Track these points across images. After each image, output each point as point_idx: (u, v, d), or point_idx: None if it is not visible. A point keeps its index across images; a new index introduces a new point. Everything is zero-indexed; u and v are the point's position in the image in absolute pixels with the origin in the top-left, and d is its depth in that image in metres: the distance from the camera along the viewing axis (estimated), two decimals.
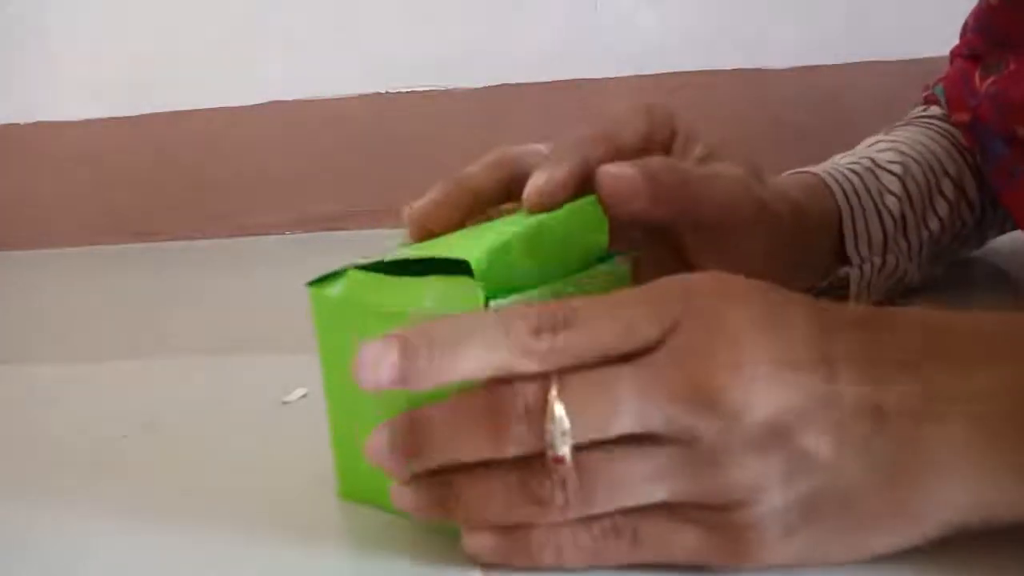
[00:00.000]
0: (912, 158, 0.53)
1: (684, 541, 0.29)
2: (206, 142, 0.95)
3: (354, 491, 0.36)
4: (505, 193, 0.39)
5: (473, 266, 0.31)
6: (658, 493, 0.28)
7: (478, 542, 0.30)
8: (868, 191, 0.50)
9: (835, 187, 0.49)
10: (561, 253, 0.35)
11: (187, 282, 0.81)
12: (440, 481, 0.30)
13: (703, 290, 0.29)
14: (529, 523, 0.29)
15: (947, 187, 0.53)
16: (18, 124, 0.97)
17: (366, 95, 0.93)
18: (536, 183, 0.36)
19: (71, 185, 0.97)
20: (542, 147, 0.39)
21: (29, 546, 0.36)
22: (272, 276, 0.79)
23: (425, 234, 0.38)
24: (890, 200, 0.50)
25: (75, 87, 0.96)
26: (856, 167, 0.51)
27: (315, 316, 0.35)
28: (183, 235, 0.96)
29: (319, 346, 0.35)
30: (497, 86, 0.90)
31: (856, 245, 0.49)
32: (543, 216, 0.35)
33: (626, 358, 0.28)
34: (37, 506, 0.39)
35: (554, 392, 0.27)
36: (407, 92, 0.92)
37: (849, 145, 0.56)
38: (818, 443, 0.27)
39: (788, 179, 0.50)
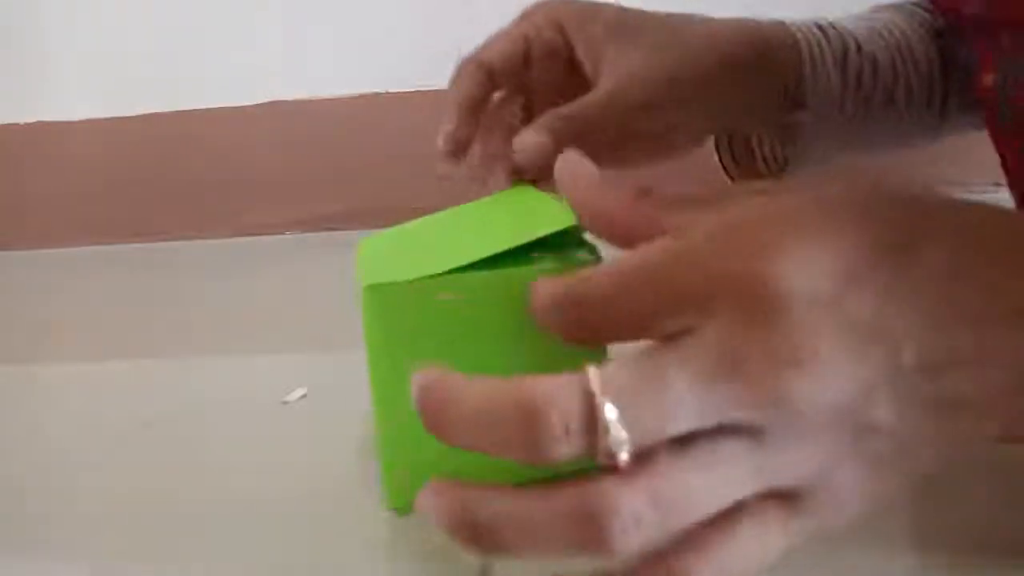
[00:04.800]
0: (884, 39, 0.54)
1: (770, 542, 0.27)
2: (206, 142, 0.95)
3: (408, 501, 0.32)
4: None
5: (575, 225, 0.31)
6: (739, 490, 0.26)
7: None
8: (832, 50, 0.52)
9: (801, 39, 0.51)
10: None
11: (187, 282, 0.81)
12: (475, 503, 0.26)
13: (748, 253, 0.26)
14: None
15: (911, 71, 0.54)
16: (18, 124, 0.97)
17: (366, 95, 0.93)
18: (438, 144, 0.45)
19: (71, 185, 0.97)
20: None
21: (29, 546, 0.36)
22: (272, 276, 0.79)
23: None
24: (852, 61, 0.52)
25: (75, 87, 0.96)
26: (828, 30, 0.53)
27: (370, 318, 0.32)
28: (183, 235, 0.96)
29: (369, 349, 0.33)
30: None
31: (815, 89, 0.51)
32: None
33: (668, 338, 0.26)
34: (37, 506, 0.39)
35: (599, 391, 0.24)
36: (407, 92, 0.92)
37: None
38: (883, 414, 0.26)
39: (741, 28, 0.51)
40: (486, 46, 0.49)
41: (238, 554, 0.34)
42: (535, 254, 0.33)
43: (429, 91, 0.92)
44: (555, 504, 0.24)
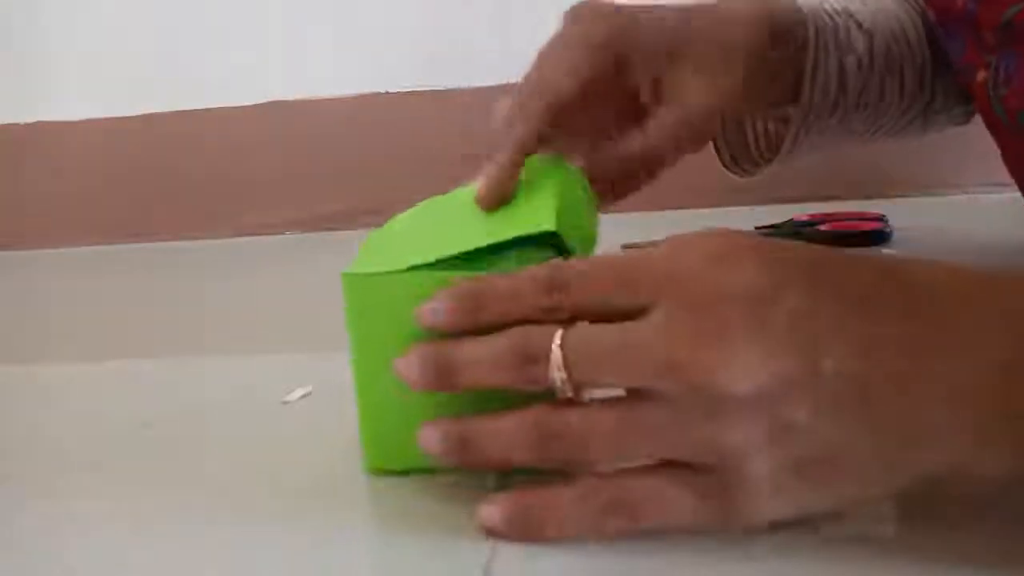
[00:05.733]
0: (880, 24, 0.54)
1: (680, 505, 0.31)
2: (206, 142, 0.95)
3: (383, 460, 0.38)
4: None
5: (556, 228, 0.36)
6: (652, 446, 0.30)
7: (488, 512, 0.33)
8: (837, 43, 0.52)
9: (811, 27, 0.51)
10: (577, 217, 0.40)
11: (187, 282, 0.81)
12: (462, 423, 0.33)
13: (694, 258, 0.31)
14: (537, 462, 0.32)
15: (906, 64, 0.55)
16: (18, 124, 0.97)
17: (366, 95, 0.93)
18: (480, 191, 0.41)
19: (71, 185, 0.97)
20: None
21: (29, 546, 0.36)
22: (272, 276, 0.79)
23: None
24: (850, 60, 0.52)
25: (75, 87, 0.96)
26: (835, 15, 0.53)
27: (347, 303, 0.36)
28: (183, 235, 0.96)
29: (348, 322, 0.36)
30: (497, 86, 0.90)
31: (812, 88, 0.51)
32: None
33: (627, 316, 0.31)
34: (37, 506, 0.39)
35: (557, 341, 0.31)
36: (407, 92, 0.92)
37: None
38: (801, 414, 0.29)
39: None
40: (548, 75, 0.47)
41: (238, 554, 0.34)
42: (510, 252, 0.37)
43: (429, 91, 0.92)
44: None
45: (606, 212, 0.46)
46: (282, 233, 0.95)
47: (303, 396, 0.48)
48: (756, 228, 0.73)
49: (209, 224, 0.95)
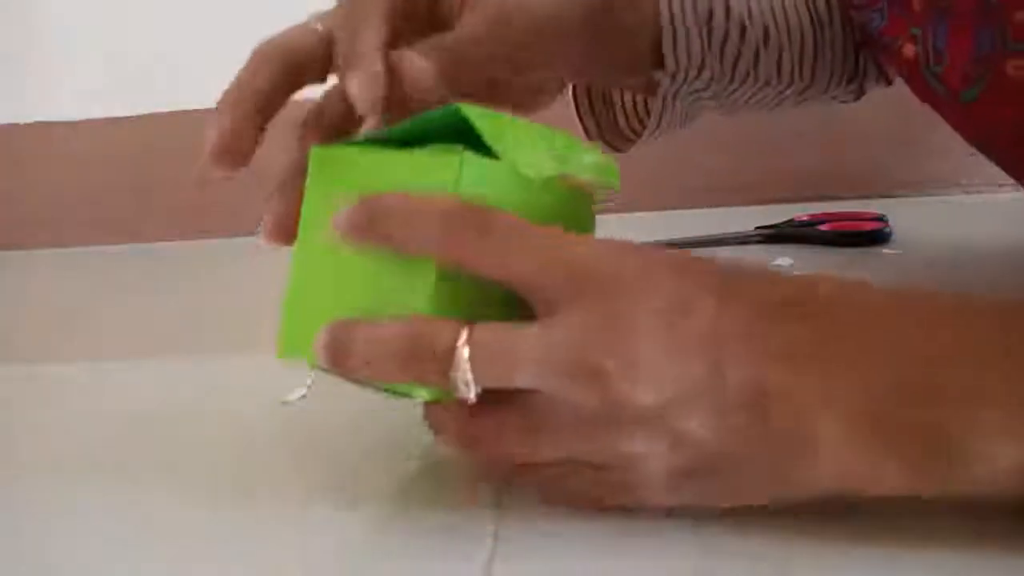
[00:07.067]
0: (764, 6, 0.53)
1: (580, 492, 0.33)
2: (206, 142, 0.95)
3: (293, 348, 0.36)
4: (287, 87, 0.41)
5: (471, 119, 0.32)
6: (551, 448, 0.31)
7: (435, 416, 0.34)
8: (696, 12, 0.50)
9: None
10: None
11: (186, 282, 0.81)
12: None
13: (620, 277, 0.31)
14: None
15: (784, 47, 0.54)
16: (18, 124, 0.97)
17: None
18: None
19: (71, 185, 0.97)
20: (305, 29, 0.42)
21: (29, 546, 0.36)
22: (272, 276, 0.79)
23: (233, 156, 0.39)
24: (718, 16, 0.51)
25: (75, 87, 0.96)
26: None
27: (310, 173, 0.36)
28: (183, 235, 0.96)
29: (304, 204, 0.36)
30: None
31: (675, 50, 0.50)
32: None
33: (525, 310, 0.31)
34: (37, 506, 0.39)
35: (463, 340, 0.30)
36: None
37: None
38: (699, 427, 0.30)
39: None
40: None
41: (238, 554, 0.34)
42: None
43: None
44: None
45: (605, 214, 0.45)
46: None
47: (303, 396, 0.48)
48: (756, 228, 0.73)
49: (208, 224, 0.95)
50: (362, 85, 0.36)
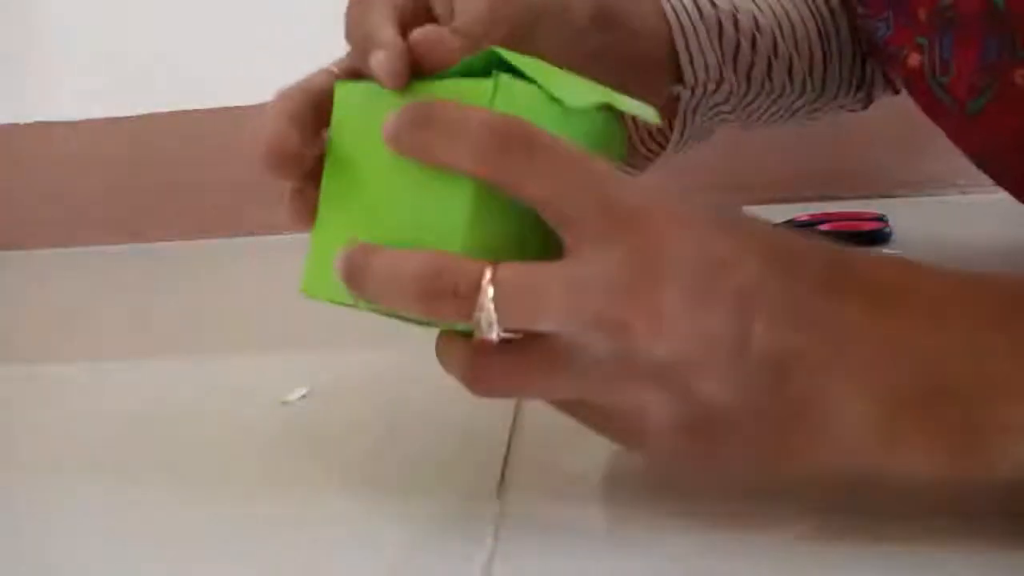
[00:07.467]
0: (769, 19, 0.53)
1: (592, 424, 0.32)
2: (206, 142, 0.95)
3: (317, 285, 0.36)
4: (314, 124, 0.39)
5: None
6: (565, 389, 0.31)
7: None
8: (706, 24, 0.50)
9: (668, 11, 0.49)
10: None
11: (186, 282, 0.81)
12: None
13: (656, 219, 0.29)
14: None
15: (795, 56, 0.53)
16: (18, 124, 0.97)
17: None
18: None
19: (71, 185, 0.97)
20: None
21: (29, 545, 0.36)
22: (272, 276, 0.79)
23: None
24: (728, 29, 0.51)
25: (75, 87, 0.96)
26: (703, 4, 0.50)
27: (335, 109, 0.36)
28: (182, 235, 0.96)
29: (330, 139, 0.36)
30: None
31: (692, 64, 0.49)
32: None
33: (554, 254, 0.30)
34: (37, 506, 0.39)
35: (487, 279, 0.29)
36: None
37: None
38: (715, 389, 0.29)
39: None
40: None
41: (238, 554, 0.34)
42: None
43: None
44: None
45: None
46: (282, 233, 0.95)
47: (302, 396, 0.48)
48: None
49: (209, 224, 0.95)
50: (388, 57, 0.35)
